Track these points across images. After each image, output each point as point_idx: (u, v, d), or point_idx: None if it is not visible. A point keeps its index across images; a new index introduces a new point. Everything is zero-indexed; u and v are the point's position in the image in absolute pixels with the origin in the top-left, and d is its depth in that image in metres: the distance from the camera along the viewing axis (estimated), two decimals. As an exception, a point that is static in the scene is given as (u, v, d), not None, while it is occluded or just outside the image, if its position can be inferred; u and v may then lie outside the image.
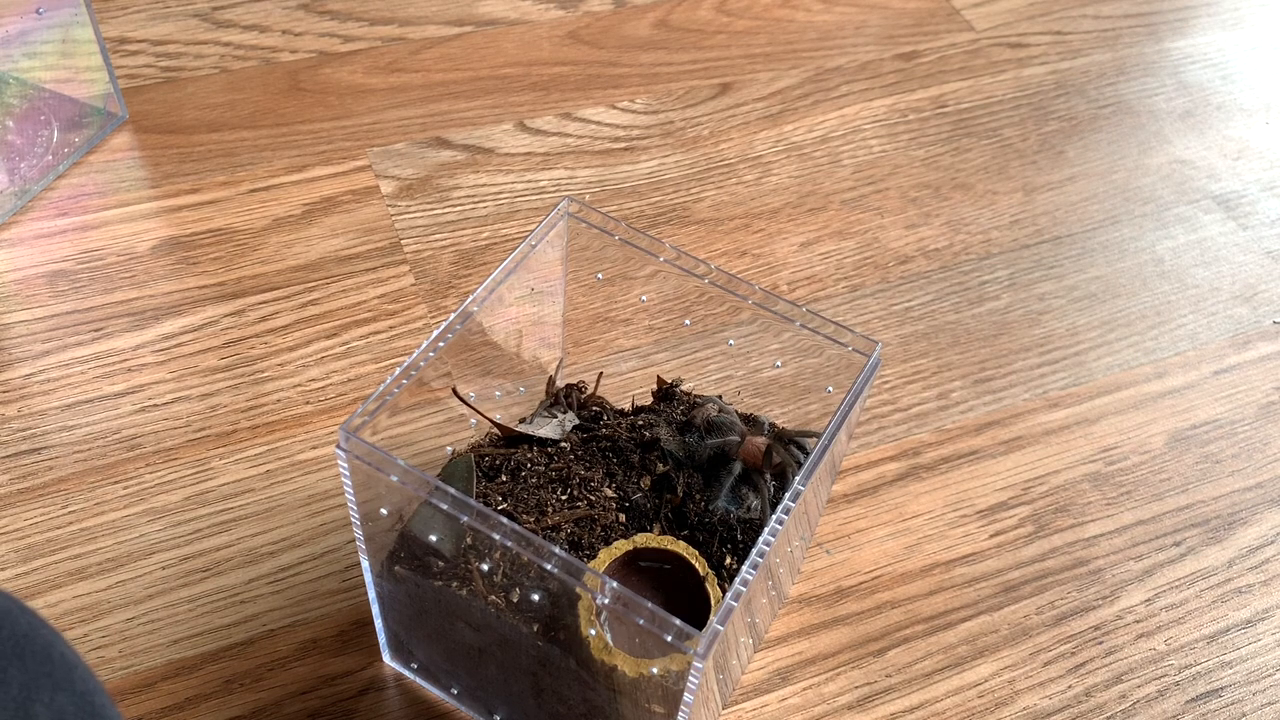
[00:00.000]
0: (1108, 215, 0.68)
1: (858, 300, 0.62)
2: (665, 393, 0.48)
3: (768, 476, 0.42)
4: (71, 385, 0.54)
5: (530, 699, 0.41)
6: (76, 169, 0.64)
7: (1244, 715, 0.47)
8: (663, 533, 0.42)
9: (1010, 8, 0.83)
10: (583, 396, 0.48)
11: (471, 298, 0.41)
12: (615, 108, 0.71)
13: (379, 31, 0.75)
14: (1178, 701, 0.47)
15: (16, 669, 0.24)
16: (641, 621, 0.33)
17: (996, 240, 0.66)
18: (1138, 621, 0.49)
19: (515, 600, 0.38)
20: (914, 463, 0.54)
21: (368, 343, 0.57)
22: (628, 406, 0.48)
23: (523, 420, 0.46)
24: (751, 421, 0.45)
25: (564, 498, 0.42)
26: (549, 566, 0.34)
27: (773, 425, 0.44)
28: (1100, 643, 0.48)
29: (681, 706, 0.35)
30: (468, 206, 0.64)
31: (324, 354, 0.56)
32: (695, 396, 0.47)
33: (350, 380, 0.55)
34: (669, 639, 0.33)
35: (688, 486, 0.42)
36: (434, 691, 0.45)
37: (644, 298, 0.48)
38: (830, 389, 0.44)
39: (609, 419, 0.46)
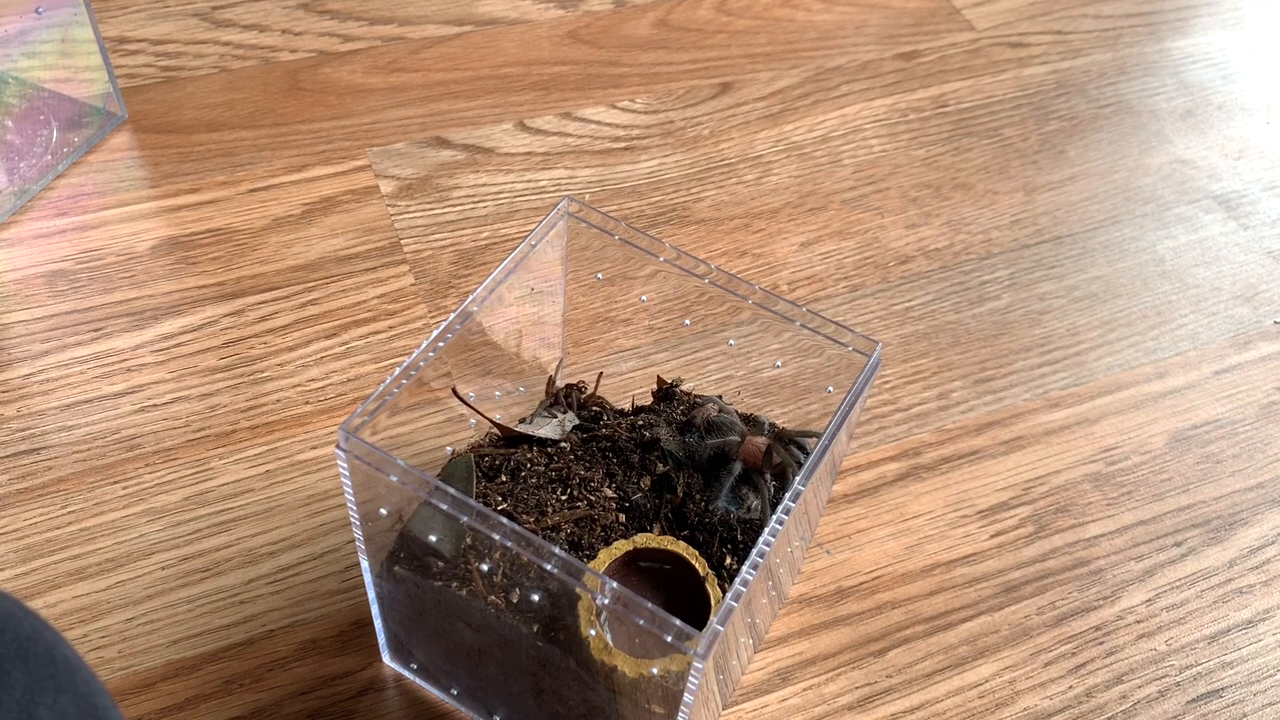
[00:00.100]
0: (1108, 215, 0.68)
1: (858, 300, 0.62)
2: (665, 393, 0.48)
3: (768, 477, 0.42)
4: (71, 385, 0.54)
5: (530, 699, 0.41)
6: (76, 169, 0.64)
7: (1245, 716, 0.47)
8: (663, 533, 0.42)
9: (1011, 7, 0.82)
10: (583, 396, 0.48)
11: (471, 298, 0.41)
12: (615, 107, 0.71)
13: (379, 31, 0.75)
14: (1178, 702, 0.47)
15: (20, 671, 0.24)
16: (641, 622, 0.33)
17: (997, 240, 0.66)
18: (1138, 622, 0.49)
19: (515, 600, 0.38)
20: (914, 463, 0.54)
21: (367, 343, 0.57)
22: (628, 406, 0.48)
23: (522, 420, 0.46)
24: (752, 421, 0.45)
25: (564, 498, 0.42)
26: (549, 567, 0.34)
27: (773, 425, 0.44)
28: (1101, 643, 0.48)
29: (681, 707, 0.35)
30: (467, 206, 0.64)
31: (323, 354, 0.56)
32: (695, 396, 0.47)
33: (350, 380, 0.55)
34: (669, 639, 0.33)
35: (688, 487, 0.42)
36: (434, 692, 0.45)
37: (644, 298, 0.48)
38: (830, 389, 0.44)
39: (609, 419, 0.46)
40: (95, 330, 0.56)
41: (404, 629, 0.43)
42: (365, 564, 0.41)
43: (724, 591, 0.40)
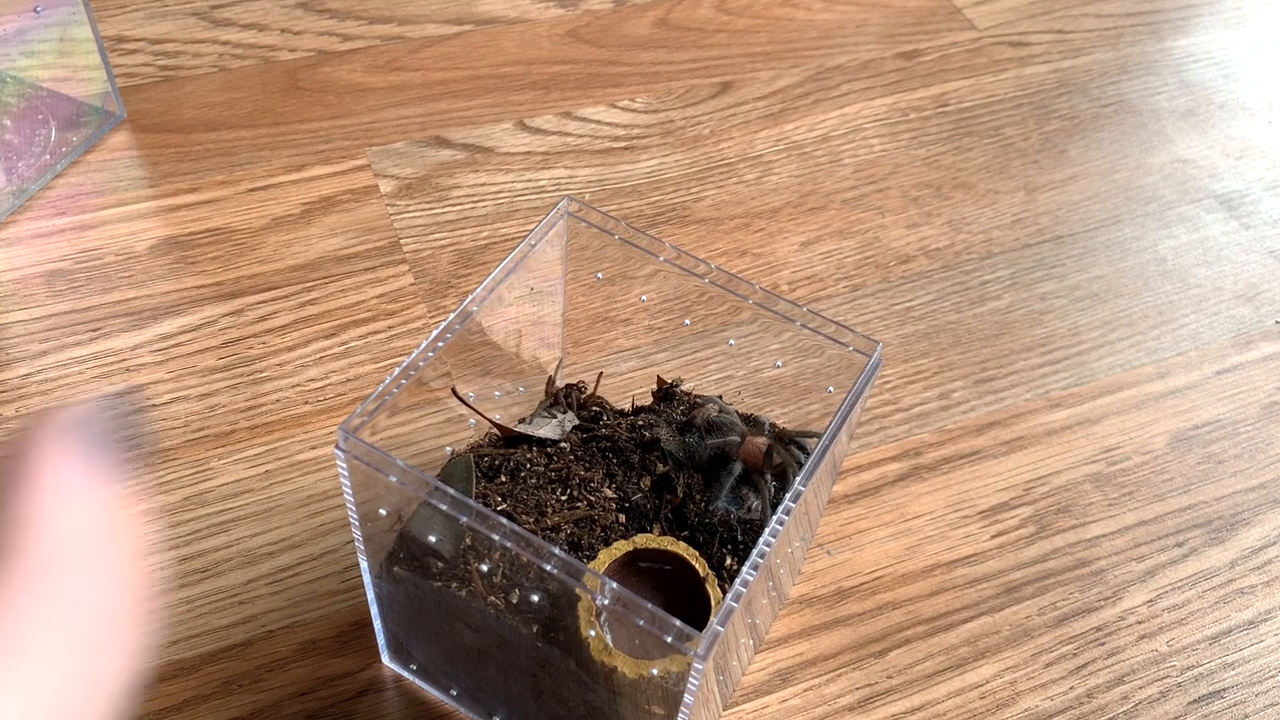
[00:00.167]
0: (1110, 215, 0.68)
1: (858, 300, 0.61)
2: (665, 393, 0.48)
3: (768, 477, 0.42)
4: (69, 385, 0.53)
5: (530, 700, 0.41)
6: (74, 168, 0.64)
7: (1247, 716, 0.46)
8: (663, 533, 0.42)
9: (1011, 6, 0.82)
10: (582, 396, 0.48)
11: (471, 297, 0.41)
12: (615, 107, 0.71)
13: (378, 30, 0.75)
14: (1180, 703, 0.47)
15: None
16: (641, 622, 0.33)
17: (998, 240, 0.66)
18: (1140, 622, 0.49)
19: (514, 601, 0.38)
20: (915, 463, 0.54)
21: (367, 343, 0.57)
22: (628, 406, 0.48)
23: (522, 420, 0.46)
24: (752, 422, 0.45)
25: (563, 498, 0.41)
26: (548, 567, 0.34)
27: (773, 425, 0.44)
28: (1102, 644, 0.48)
29: (681, 708, 0.35)
30: (467, 206, 0.64)
31: (323, 354, 0.56)
32: (695, 396, 0.47)
33: (349, 380, 0.55)
34: (669, 640, 0.32)
35: (688, 487, 0.42)
36: (433, 693, 0.45)
37: (644, 297, 0.48)
38: (831, 389, 0.44)
39: (609, 419, 0.46)
40: (94, 330, 0.56)
41: (403, 630, 0.43)
42: (364, 564, 0.41)
43: (724, 592, 0.39)
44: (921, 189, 0.68)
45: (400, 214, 0.63)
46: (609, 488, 0.42)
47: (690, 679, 0.33)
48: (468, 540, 0.38)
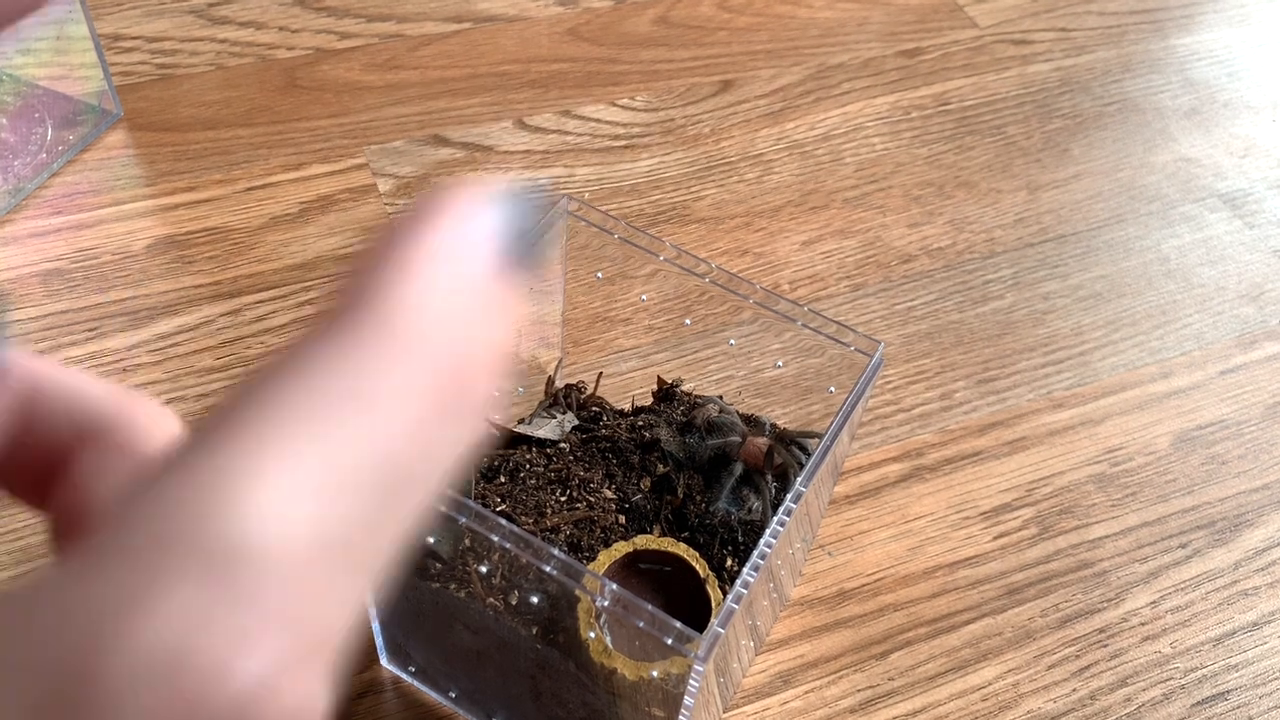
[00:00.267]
0: (1113, 214, 0.68)
1: (860, 300, 0.61)
2: (665, 393, 0.47)
3: (769, 477, 0.42)
4: (66, 385, 0.53)
5: (529, 702, 0.41)
6: (71, 167, 0.63)
7: (1250, 718, 0.46)
8: (663, 534, 0.41)
9: (1014, 4, 0.82)
10: (582, 397, 0.47)
11: (469, 296, 0.41)
12: (615, 105, 0.71)
13: (376, 28, 0.75)
14: (1183, 705, 0.46)
15: None
16: (641, 624, 0.32)
17: (1000, 239, 0.65)
18: (1143, 624, 0.49)
19: (514, 603, 0.38)
20: (917, 464, 0.54)
21: (365, 342, 0.56)
22: (628, 407, 0.48)
23: (521, 420, 0.46)
24: (753, 422, 0.44)
25: (563, 499, 0.41)
26: (548, 568, 0.34)
27: (774, 426, 0.44)
28: (1105, 645, 0.48)
29: (682, 710, 0.35)
30: (466, 204, 0.64)
31: (321, 353, 0.56)
32: (696, 397, 0.47)
33: (347, 380, 0.54)
34: (669, 642, 0.32)
35: (688, 488, 0.42)
36: (432, 695, 0.44)
37: (644, 297, 0.48)
38: (832, 389, 0.44)
39: (609, 419, 0.45)
40: (90, 330, 0.56)
41: (402, 631, 0.43)
42: (362, 566, 0.40)
43: (725, 593, 0.39)
44: (923, 188, 0.68)
45: (399, 213, 0.63)
46: (609, 488, 0.42)
47: (690, 681, 0.33)
48: (466, 541, 0.38)
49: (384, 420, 0.11)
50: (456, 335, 0.12)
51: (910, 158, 0.70)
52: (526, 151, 0.67)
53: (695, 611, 0.39)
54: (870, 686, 0.46)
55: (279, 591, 0.10)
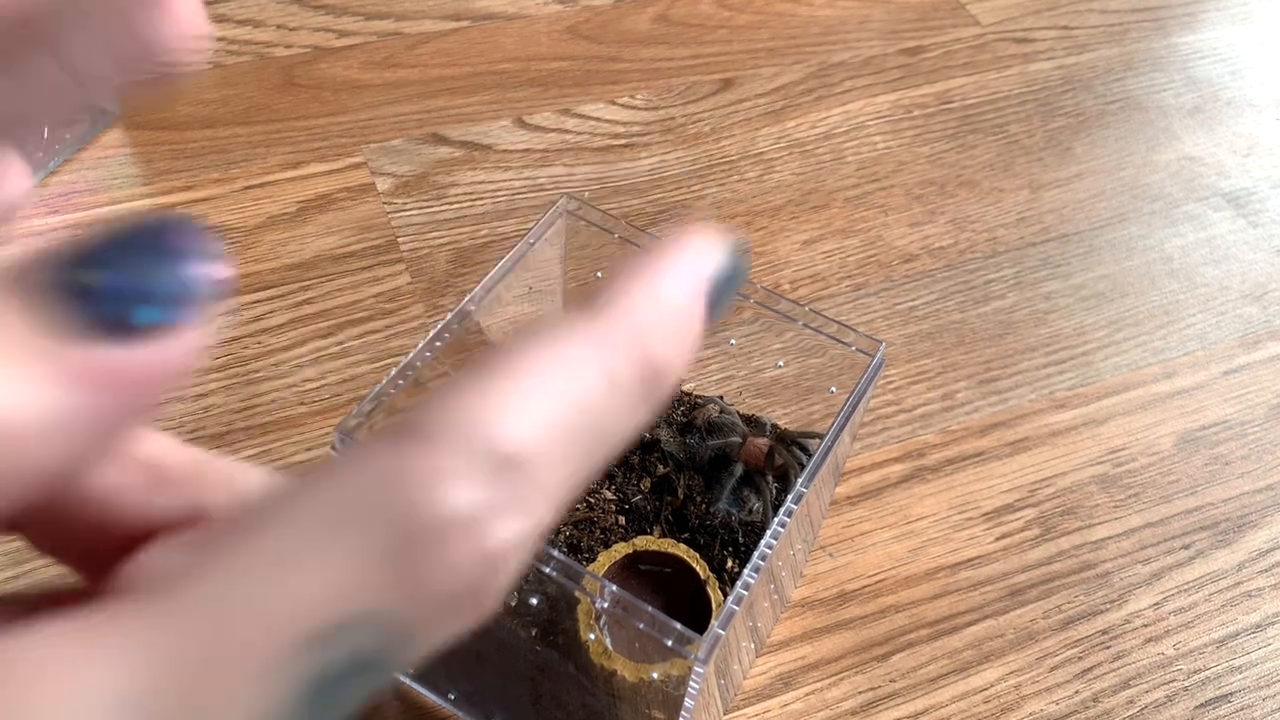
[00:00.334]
0: (1115, 213, 0.67)
1: (861, 299, 0.61)
2: (666, 393, 0.47)
3: (770, 478, 0.42)
4: (63, 385, 0.53)
5: (529, 704, 0.40)
6: (68, 166, 0.63)
7: (1255, 721, 0.46)
8: (663, 535, 0.41)
9: (1016, 2, 0.82)
10: (582, 396, 0.47)
11: (469, 297, 0.41)
12: (615, 104, 0.71)
13: (374, 26, 0.74)
14: (1186, 707, 0.46)
15: None
16: (641, 626, 0.32)
17: (1002, 238, 0.65)
18: (1146, 626, 0.49)
19: (513, 604, 0.38)
20: (918, 464, 0.53)
21: (364, 342, 0.56)
22: (627, 407, 0.47)
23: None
24: (753, 422, 0.44)
25: (562, 500, 0.41)
26: (547, 570, 0.33)
27: (775, 426, 0.44)
28: (1108, 647, 0.48)
29: (682, 712, 0.34)
30: (465, 204, 0.64)
31: (319, 354, 0.55)
32: (696, 397, 0.47)
33: (346, 380, 0.54)
34: (669, 643, 0.32)
35: (688, 488, 0.42)
36: (430, 697, 0.44)
37: (644, 296, 0.48)
38: (833, 389, 0.43)
39: (608, 419, 0.45)
40: (88, 329, 0.55)
41: (399, 633, 0.42)
42: (360, 567, 0.40)
43: (725, 595, 0.39)
44: (925, 187, 0.68)
45: (397, 212, 0.62)
46: (608, 489, 0.42)
47: (691, 683, 0.33)
48: (464, 543, 0.38)
49: (596, 381, 0.14)
50: (658, 338, 0.15)
51: (912, 156, 0.69)
52: (526, 150, 0.67)
53: (695, 613, 0.39)
54: (872, 688, 0.46)
55: (531, 487, 0.14)
